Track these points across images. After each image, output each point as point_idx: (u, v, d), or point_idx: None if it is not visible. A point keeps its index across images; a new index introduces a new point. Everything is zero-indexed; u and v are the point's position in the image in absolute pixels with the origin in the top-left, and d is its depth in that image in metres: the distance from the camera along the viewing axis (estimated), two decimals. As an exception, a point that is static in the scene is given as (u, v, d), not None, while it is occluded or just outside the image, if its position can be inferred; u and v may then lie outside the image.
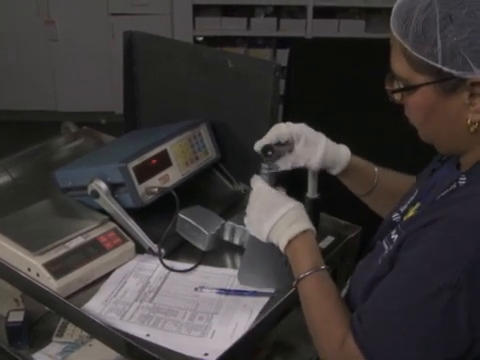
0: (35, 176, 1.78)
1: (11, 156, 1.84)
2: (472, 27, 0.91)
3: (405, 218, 1.11)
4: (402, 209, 1.16)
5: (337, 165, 1.33)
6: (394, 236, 1.03)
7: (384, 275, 1.02)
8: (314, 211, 1.47)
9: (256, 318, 1.25)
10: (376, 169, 1.35)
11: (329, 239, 1.50)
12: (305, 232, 1.15)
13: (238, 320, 1.26)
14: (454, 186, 1.00)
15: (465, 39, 0.91)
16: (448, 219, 0.94)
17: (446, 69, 0.93)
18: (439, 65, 0.93)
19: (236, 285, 1.36)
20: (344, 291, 1.22)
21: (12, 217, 1.49)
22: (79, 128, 2.00)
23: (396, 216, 1.17)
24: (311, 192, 1.45)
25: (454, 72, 0.92)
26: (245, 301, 1.31)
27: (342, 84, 2.66)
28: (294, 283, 1.13)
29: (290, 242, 1.14)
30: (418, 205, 1.08)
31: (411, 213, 1.10)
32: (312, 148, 1.31)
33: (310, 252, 1.14)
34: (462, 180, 0.99)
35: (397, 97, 1.03)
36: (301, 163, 1.32)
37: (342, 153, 1.34)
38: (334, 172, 1.35)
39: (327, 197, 1.48)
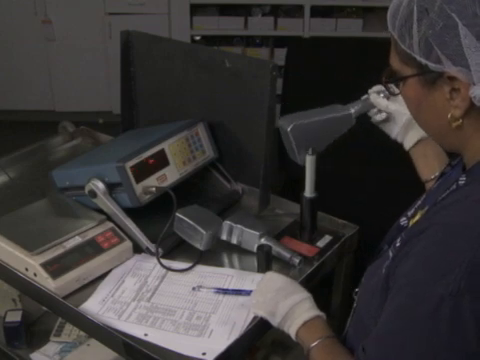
0: (33, 176, 1.78)
1: (8, 156, 1.84)
2: (443, 22, 0.91)
3: (411, 222, 1.10)
4: (409, 213, 1.16)
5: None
6: (398, 244, 1.01)
7: (384, 287, 1.00)
8: (312, 210, 1.48)
9: (254, 317, 1.25)
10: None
11: (327, 238, 1.50)
12: (318, 317, 1.17)
13: (236, 319, 1.26)
14: (454, 186, 0.99)
15: (437, 33, 0.91)
16: (439, 225, 0.93)
17: (424, 62, 0.93)
18: (418, 57, 0.94)
19: (234, 284, 1.36)
20: (356, 299, 1.22)
21: (10, 217, 1.48)
22: (76, 128, 2.00)
23: (404, 220, 1.16)
24: (309, 191, 1.45)
25: (430, 65, 0.93)
26: (243, 300, 1.31)
27: (340, 83, 2.67)
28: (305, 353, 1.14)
29: (305, 323, 1.15)
30: (426, 209, 1.07)
31: (417, 217, 1.08)
32: None
33: (320, 328, 1.15)
34: (462, 180, 0.98)
35: (398, 89, 1.04)
36: (393, 108, 1.34)
37: None
38: (413, 137, 1.35)
39: (325, 196, 1.48)
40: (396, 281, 0.97)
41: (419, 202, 1.14)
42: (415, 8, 0.93)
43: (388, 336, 0.95)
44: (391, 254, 1.02)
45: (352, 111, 1.35)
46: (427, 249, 0.92)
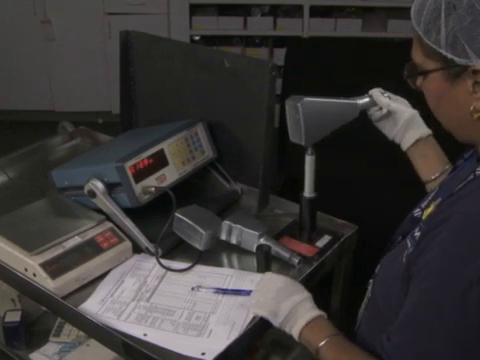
0: (32, 176, 1.78)
1: (8, 156, 1.84)
2: (471, 17, 0.94)
3: (426, 213, 1.12)
4: (423, 205, 1.18)
5: (420, 128, 1.37)
6: (417, 234, 1.04)
7: (405, 276, 1.02)
8: (311, 210, 1.48)
9: (253, 317, 1.25)
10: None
11: (326, 238, 1.50)
12: (320, 316, 1.17)
13: (235, 319, 1.26)
14: (471, 177, 1.01)
15: (465, 28, 0.94)
16: (460, 214, 0.95)
17: (449, 56, 0.97)
18: (443, 52, 0.97)
19: (233, 284, 1.36)
20: (369, 289, 1.23)
21: (9, 217, 1.48)
22: (76, 128, 1.99)
23: (417, 212, 1.18)
24: (308, 191, 1.45)
25: (456, 59, 0.96)
26: (242, 300, 1.31)
27: (339, 83, 2.67)
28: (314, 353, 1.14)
29: (308, 323, 1.15)
30: (439, 200, 1.09)
31: (431, 208, 1.11)
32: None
33: (325, 327, 1.15)
34: (479, 170, 1.01)
35: (418, 83, 1.08)
36: (395, 106, 1.37)
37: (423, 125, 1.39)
38: (412, 136, 1.37)
39: (324, 196, 1.48)
40: (419, 271, 0.98)
41: (433, 194, 1.17)
42: (443, 4, 0.96)
43: (414, 324, 0.97)
44: (409, 244, 1.04)
45: (358, 102, 1.37)
46: (449, 238, 0.95)
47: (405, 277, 1.02)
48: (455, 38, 0.95)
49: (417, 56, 1.04)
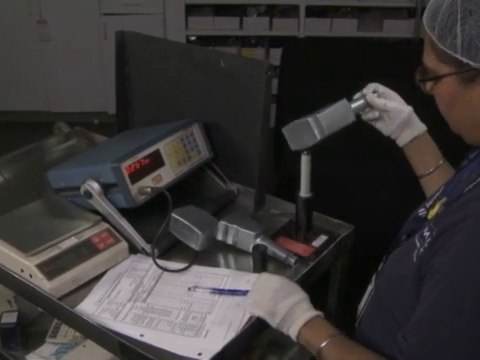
0: (28, 177, 1.78)
1: (3, 157, 1.83)
2: None
3: (431, 212, 1.13)
4: (428, 204, 1.19)
5: (416, 126, 1.37)
6: (426, 233, 1.04)
7: (417, 276, 1.02)
8: (307, 210, 1.48)
9: (250, 317, 1.25)
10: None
11: (322, 238, 1.50)
12: (318, 316, 1.17)
13: (232, 320, 1.26)
14: None
15: None
16: (474, 217, 0.96)
17: (465, 60, 0.98)
18: (459, 56, 0.98)
19: (229, 284, 1.36)
20: (370, 287, 1.23)
21: (5, 218, 1.48)
22: (72, 128, 1.99)
23: (422, 211, 1.19)
24: (304, 191, 1.45)
25: (471, 63, 0.98)
26: (238, 300, 1.31)
27: (335, 83, 2.67)
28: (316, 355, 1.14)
29: (306, 323, 1.15)
30: (444, 200, 1.10)
31: (437, 207, 1.12)
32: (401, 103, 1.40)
33: (325, 327, 1.15)
34: None
35: (428, 87, 1.09)
36: (392, 106, 1.36)
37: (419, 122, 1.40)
38: (409, 134, 1.38)
39: (320, 196, 1.48)
40: (436, 271, 0.99)
41: (437, 194, 1.18)
42: (459, 9, 0.98)
43: (431, 325, 0.97)
44: (419, 243, 1.05)
45: (352, 106, 1.37)
46: (465, 240, 0.96)
47: (416, 277, 1.03)
48: (471, 43, 0.96)
49: (429, 60, 1.05)
